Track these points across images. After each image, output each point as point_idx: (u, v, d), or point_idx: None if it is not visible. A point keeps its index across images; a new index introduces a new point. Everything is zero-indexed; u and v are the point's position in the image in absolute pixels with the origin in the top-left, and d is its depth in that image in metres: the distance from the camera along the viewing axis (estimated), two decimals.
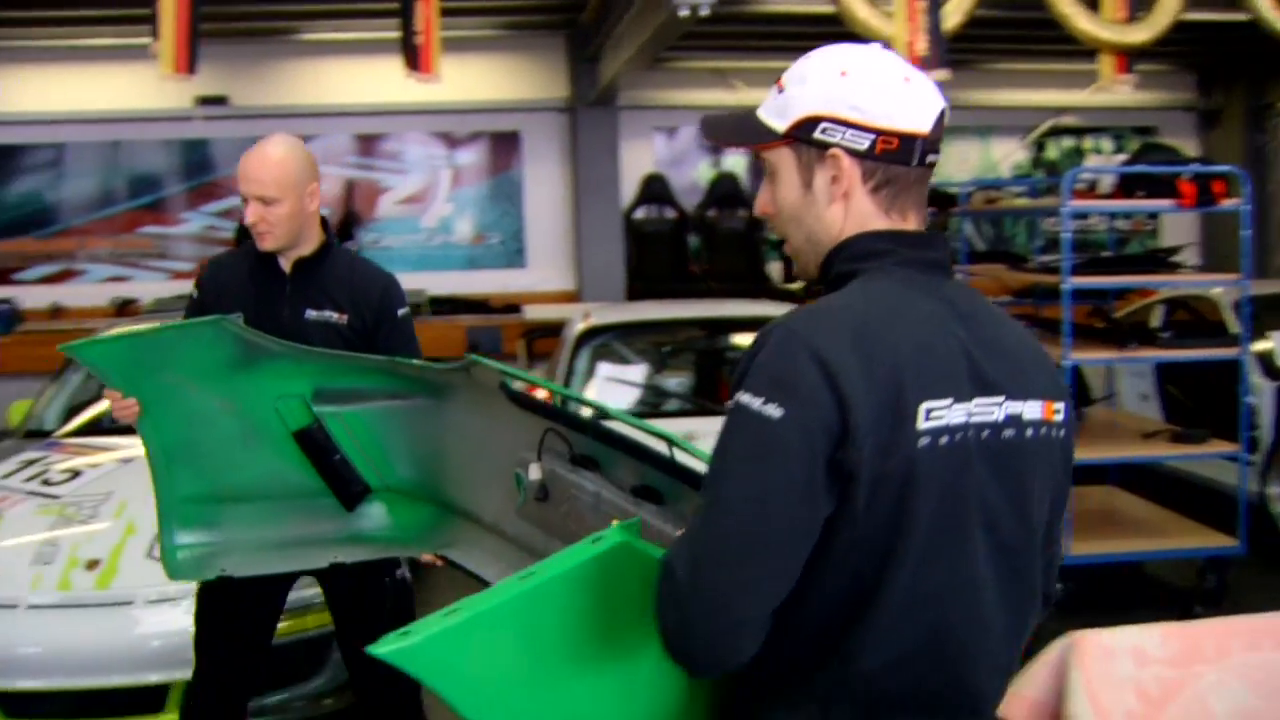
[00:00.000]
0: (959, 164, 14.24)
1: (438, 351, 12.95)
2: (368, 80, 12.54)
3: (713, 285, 12.63)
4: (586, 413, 3.45)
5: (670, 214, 13.56)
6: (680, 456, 2.61)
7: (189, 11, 8.14)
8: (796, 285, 12.38)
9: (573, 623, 1.90)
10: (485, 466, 3.51)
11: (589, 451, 3.00)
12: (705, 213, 13.57)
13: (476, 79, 12.71)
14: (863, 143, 1.91)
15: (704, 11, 8.44)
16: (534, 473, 3.11)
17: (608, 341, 7.79)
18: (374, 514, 3.90)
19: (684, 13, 8.37)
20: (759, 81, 13.23)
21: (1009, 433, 1.90)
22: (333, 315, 3.88)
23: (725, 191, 13.78)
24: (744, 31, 12.02)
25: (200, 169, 13.42)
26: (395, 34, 8.83)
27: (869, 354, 1.78)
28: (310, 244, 3.95)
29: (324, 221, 3.99)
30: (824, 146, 1.94)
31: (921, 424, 1.80)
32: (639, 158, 13.54)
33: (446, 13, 8.80)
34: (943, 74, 8.03)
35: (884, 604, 1.83)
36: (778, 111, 2.00)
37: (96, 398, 7.25)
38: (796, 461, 1.74)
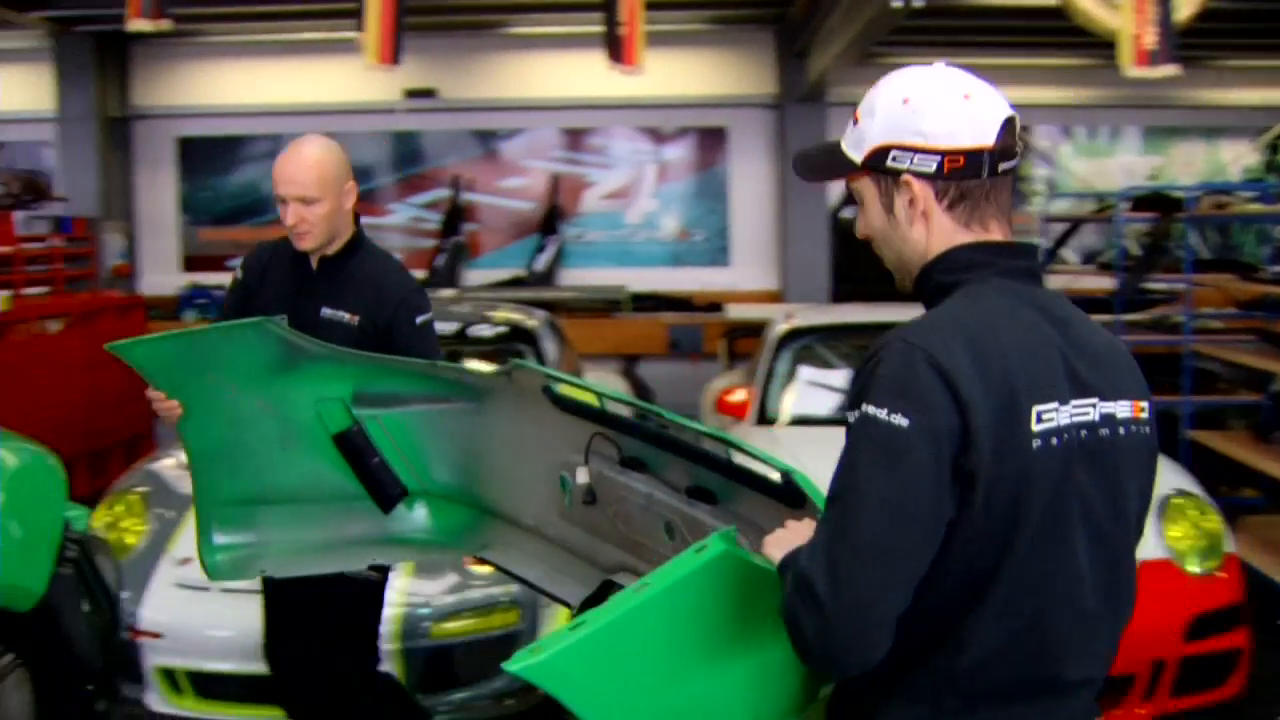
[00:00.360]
0: (1184, 167, 13.61)
1: (639, 349, 12.87)
2: (575, 74, 12.50)
3: None
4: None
5: None
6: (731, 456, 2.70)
7: (394, 3, 8.18)
8: None
9: (686, 628, 2.02)
10: (526, 469, 3.56)
11: (637, 454, 3.06)
12: None
13: (683, 74, 12.59)
14: (930, 165, 2.04)
15: (918, 3, 8.15)
16: (581, 476, 3.17)
17: (810, 344, 7.62)
18: (411, 516, 3.91)
19: (897, 4, 8.09)
20: None
21: (1104, 431, 2.02)
22: (344, 316, 3.91)
23: None
24: (959, 26, 11.64)
25: (409, 161, 13.60)
26: (602, 28, 8.75)
27: (982, 361, 1.91)
28: (340, 243, 3.97)
29: (357, 220, 4.01)
30: (896, 173, 2.07)
31: (1034, 426, 1.93)
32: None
33: (653, 6, 8.69)
34: (1171, 70, 7.57)
35: (993, 598, 1.95)
36: (854, 144, 2.12)
37: None
38: (926, 467, 1.86)
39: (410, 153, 13.57)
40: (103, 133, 13.14)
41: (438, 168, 13.51)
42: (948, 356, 1.89)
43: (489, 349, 7.54)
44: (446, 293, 11.64)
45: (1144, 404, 2.10)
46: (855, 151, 2.11)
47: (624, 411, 3.22)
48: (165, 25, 8.46)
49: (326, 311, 3.90)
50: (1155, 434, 2.13)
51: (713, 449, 2.80)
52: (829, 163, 2.19)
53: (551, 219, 13.30)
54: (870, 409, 1.89)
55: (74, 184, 12.92)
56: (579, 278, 13.24)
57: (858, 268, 12.94)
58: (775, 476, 2.51)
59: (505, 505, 3.73)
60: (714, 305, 12.49)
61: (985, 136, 2.03)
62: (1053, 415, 1.95)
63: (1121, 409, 2.05)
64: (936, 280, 2.08)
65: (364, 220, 11.76)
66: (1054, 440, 1.95)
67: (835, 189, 13.07)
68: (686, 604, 2.01)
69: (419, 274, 12.96)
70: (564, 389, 3.34)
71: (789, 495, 2.48)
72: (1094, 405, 2.02)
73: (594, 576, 3.28)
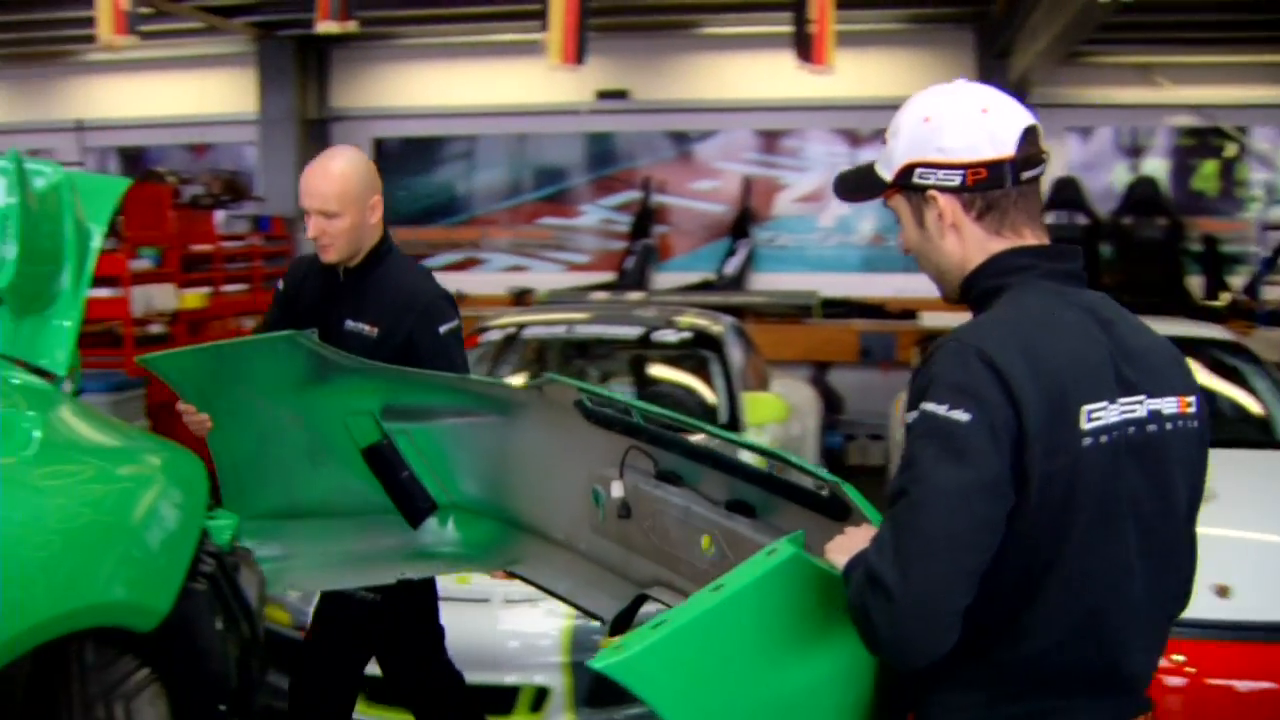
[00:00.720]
0: None
1: (829, 356, 12.58)
2: (769, 75, 12.27)
3: (1125, 298, 11.69)
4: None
5: (1081, 220, 12.68)
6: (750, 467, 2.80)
7: (578, 4, 8.11)
8: (1220, 301, 11.38)
9: (760, 630, 2.11)
10: (557, 483, 3.57)
11: (673, 467, 3.10)
12: (1120, 219, 12.65)
13: (879, 74, 12.28)
14: (954, 179, 2.15)
15: None
16: (616, 490, 3.19)
17: None
18: (439, 530, 3.94)
19: None
20: (1187, 78, 12.24)
21: (1152, 428, 2.11)
22: (364, 328, 3.89)
23: (1144, 196, 12.76)
24: (1171, 21, 11.11)
25: (601, 162, 13.59)
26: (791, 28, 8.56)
27: (1033, 361, 2.00)
28: (363, 254, 3.95)
29: (385, 230, 4.02)
30: (923, 189, 2.18)
31: (1084, 425, 2.02)
32: (1050, 159, 12.72)
33: (847, 5, 8.47)
34: None
35: (1048, 591, 2.05)
36: (885, 163, 2.25)
37: None
38: (988, 460, 1.95)
39: (602, 154, 13.55)
40: (301, 134, 13.43)
41: (629, 169, 13.46)
42: (1000, 356, 1.99)
43: (673, 354, 7.41)
44: (633, 296, 11.55)
45: (1190, 399, 2.18)
46: (886, 171, 2.23)
47: (660, 426, 3.23)
48: (351, 26, 8.56)
49: (350, 323, 3.90)
50: (1204, 426, 2.20)
51: (753, 462, 2.87)
52: (864, 183, 2.29)
53: (743, 222, 13.12)
54: (930, 406, 1.98)
55: (273, 184, 13.23)
56: (770, 282, 13.01)
57: None
58: (819, 489, 2.58)
59: (535, 519, 3.74)
60: (907, 313, 12.14)
61: (1005, 147, 2.14)
62: (1101, 414, 2.04)
63: (1168, 405, 2.14)
64: (982, 286, 2.18)
65: (553, 222, 11.77)
66: (1103, 438, 2.04)
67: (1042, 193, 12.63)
68: (760, 606, 2.10)
69: (608, 276, 12.97)
70: (597, 404, 3.35)
71: (833, 508, 2.53)
72: (1140, 403, 2.10)
73: (627, 590, 3.32)
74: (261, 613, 2.73)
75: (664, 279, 13.17)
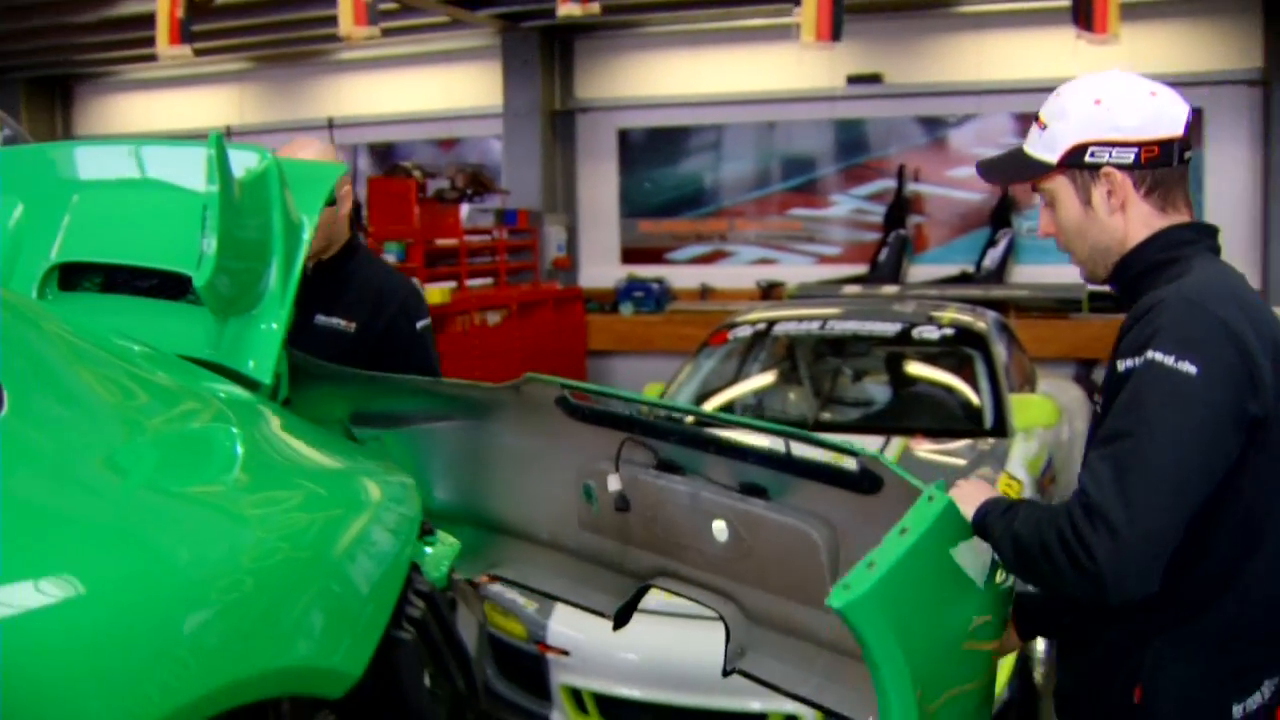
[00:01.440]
0: None
1: (1096, 352, 11.82)
2: (1032, 54, 11.72)
3: None
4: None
5: None
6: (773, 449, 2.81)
7: None
8: None
9: (936, 568, 2.25)
10: (541, 483, 3.49)
11: (673, 457, 3.07)
12: None
13: (1152, 50, 11.50)
14: (1129, 156, 2.27)
15: None
16: (613, 483, 3.14)
17: None
18: None
19: None
20: None
21: None
22: (340, 322, 3.84)
23: None
24: None
25: (852, 150, 13.13)
26: (1064, 1, 8.01)
27: (1250, 316, 2.14)
28: (336, 247, 3.90)
29: (354, 224, 3.97)
30: (1096, 167, 2.29)
31: None
32: None
33: None
34: None
35: (1268, 541, 2.17)
36: (1046, 146, 2.34)
37: (729, 383, 7.01)
38: (1214, 410, 2.04)
39: (853, 141, 13.11)
40: (546, 126, 13.42)
41: (882, 157, 12.99)
42: (1226, 311, 2.10)
43: (933, 353, 6.96)
44: (888, 289, 11.11)
45: None
46: (1048, 153, 2.33)
47: (656, 416, 3.24)
48: (594, 9, 8.42)
49: (321, 319, 3.84)
50: None
51: (764, 444, 2.88)
52: (1019, 166, 2.39)
53: (1004, 211, 12.51)
54: (1157, 355, 2.07)
55: (517, 177, 13.23)
56: (1033, 275, 12.35)
57: None
58: (847, 464, 2.60)
59: (516, 521, 3.63)
60: None
61: (1176, 127, 2.27)
62: None
63: None
64: (1150, 259, 2.28)
65: (802, 213, 11.37)
66: None
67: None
68: (934, 548, 2.23)
69: (860, 268, 12.55)
70: (582, 399, 3.30)
71: (863, 482, 2.56)
72: None
73: (624, 584, 3.28)
74: (481, 662, 2.44)
75: (919, 271, 12.70)
